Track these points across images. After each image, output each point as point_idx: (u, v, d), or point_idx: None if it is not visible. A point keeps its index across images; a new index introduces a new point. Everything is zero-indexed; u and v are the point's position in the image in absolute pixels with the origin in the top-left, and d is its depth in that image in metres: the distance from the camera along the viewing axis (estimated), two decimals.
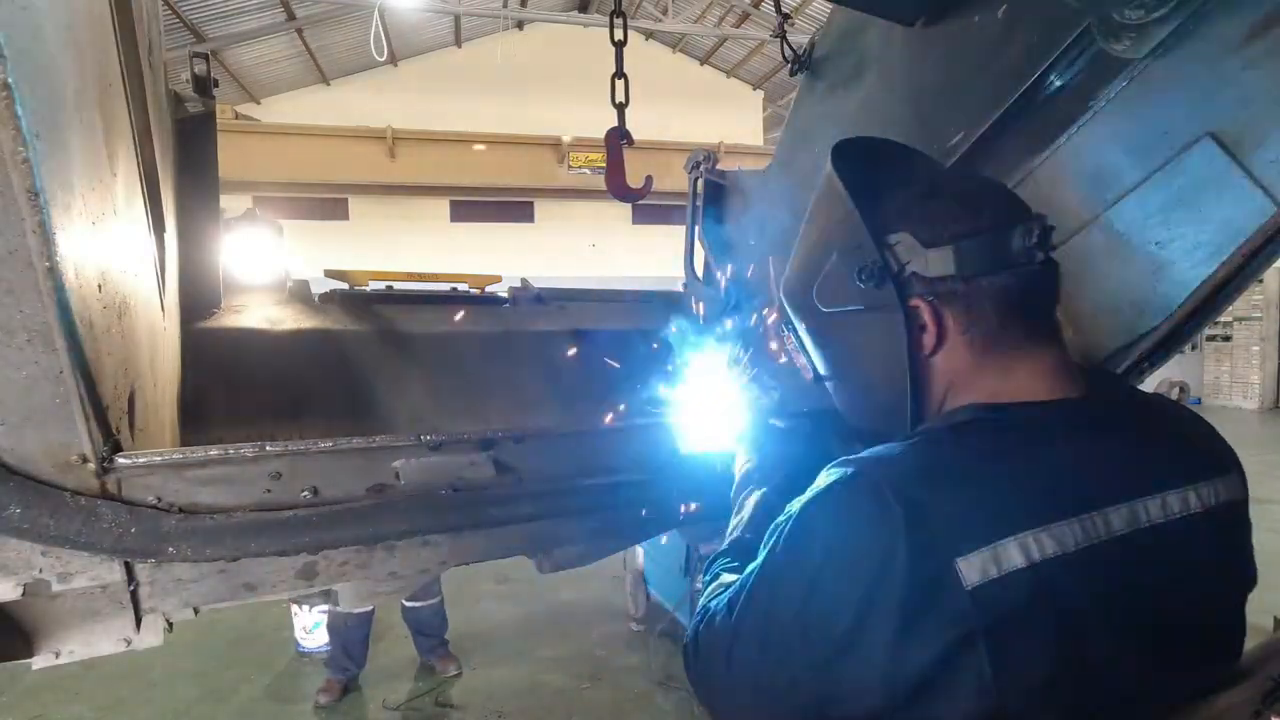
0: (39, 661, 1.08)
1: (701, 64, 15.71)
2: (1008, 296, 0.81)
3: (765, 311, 1.87)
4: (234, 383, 1.78)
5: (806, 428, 1.20)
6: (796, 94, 2.27)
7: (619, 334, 2.21)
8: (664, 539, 1.64)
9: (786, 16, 2.43)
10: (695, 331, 1.60)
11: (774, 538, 0.79)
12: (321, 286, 2.05)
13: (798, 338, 1.02)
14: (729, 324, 2.13)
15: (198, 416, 1.69)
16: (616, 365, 2.02)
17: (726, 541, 1.07)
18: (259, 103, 13.12)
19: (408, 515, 1.18)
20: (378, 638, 4.52)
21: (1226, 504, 0.81)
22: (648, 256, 12.44)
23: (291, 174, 10.59)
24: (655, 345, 2.05)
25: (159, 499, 1.03)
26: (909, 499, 0.70)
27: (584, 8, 14.48)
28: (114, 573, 1.05)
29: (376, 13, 9.30)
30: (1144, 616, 0.73)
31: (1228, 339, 13.75)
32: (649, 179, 2.63)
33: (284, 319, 1.89)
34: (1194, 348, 13.65)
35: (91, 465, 0.95)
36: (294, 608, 4.26)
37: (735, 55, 15.20)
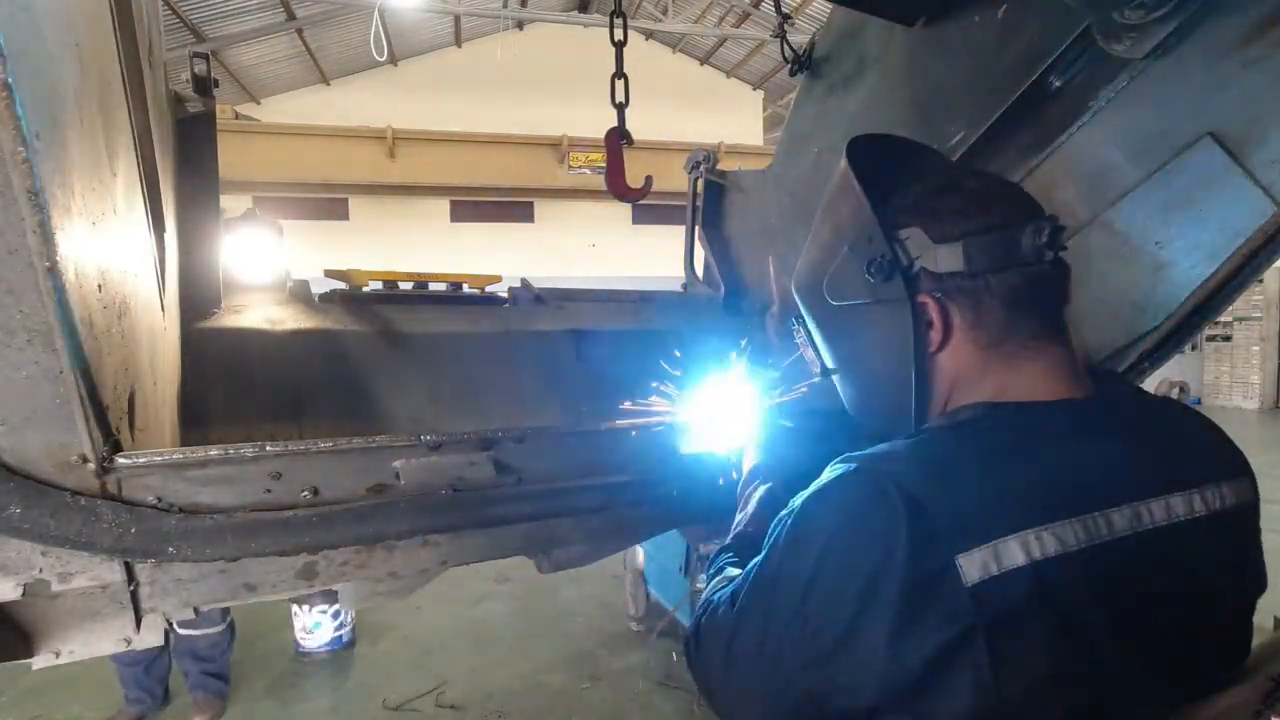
0: (39, 661, 1.08)
1: (701, 64, 15.71)
2: (1016, 295, 0.81)
3: (773, 311, 1.87)
4: (234, 383, 1.77)
5: (815, 427, 1.21)
6: (796, 94, 2.27)
7: (619, 334, 2.21)
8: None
9: (786, 16, 2.43)
10: (698, 332, 1.60)
11: (777, 531, 0.80)
12: (321, 286, 2.05)
13: (807, 331, 1.02)
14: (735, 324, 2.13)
15: (198, 416, 1.68)
16: (616, 366, 2.02)
17: (731, 536, 1.08)
18: (259, 103, 13.12)
19: (408, 515, 1.18)
20: (377, 637, 4.52)
21: (1234, 508, 0.81)
22: (648, 256, 12.45)
23: (291, 174, 10.58)
24: (656, 346, 2.05)
25: (159, 499, 1.03)
26: (911, 495, 0.70)
27: (584, 8, 14.47)
28: (114, 573, 1.05)
29: (376, 13, 9.30)
30: (1145, 618, 0.73)
31: (1228, 339, 13.74)
32: (649, 179, 2.63)
33: (284, 319, 1.88)
34: (1194, 348, 13.64)
35: (91, 465, 0.95)
36: (294, 608, 4.25)
37: (735, 55, 15.19)
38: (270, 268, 1.99)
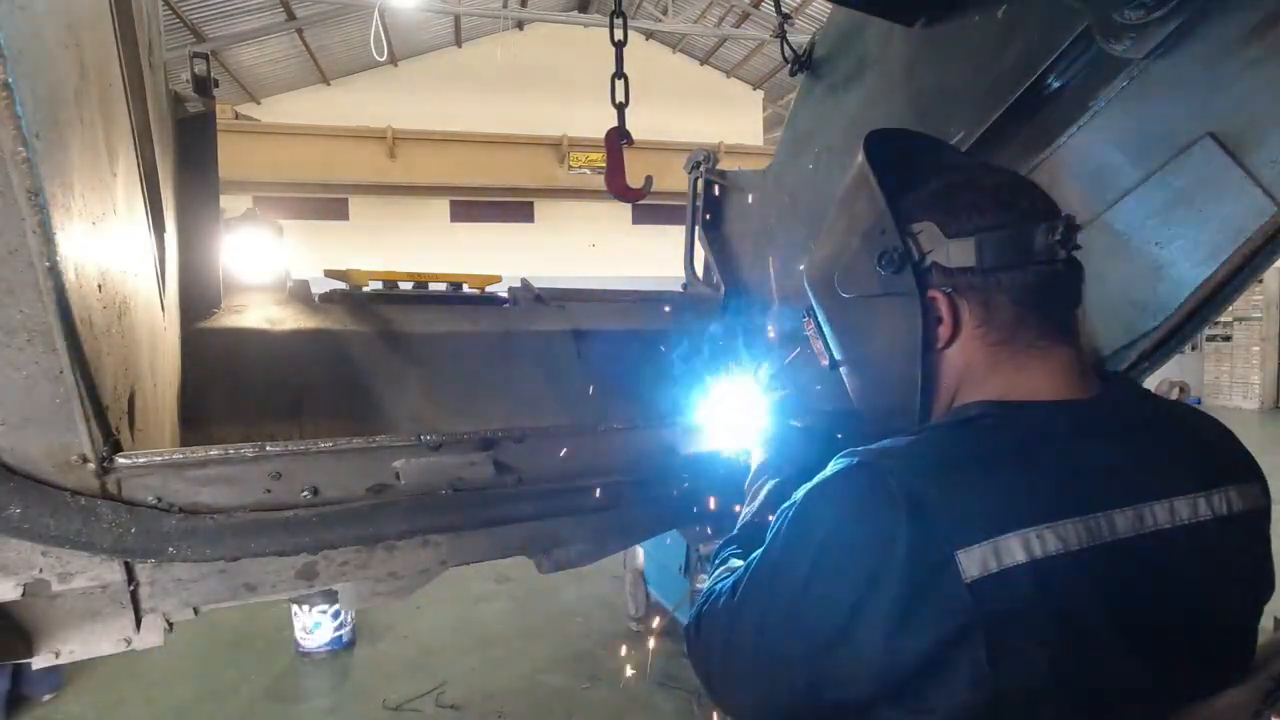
0: (39, 661, 1.08)
1: (701, 64, 15.71)
2: (1026, 293, 0.81)
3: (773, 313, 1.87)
4: (234, 383, 1.77)
5: (825, 427, 1.21)
6: (796, 94, 2.27)
7: (619, 334, 2.21)
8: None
9: (786, 16, 2.43)
10: (699, 332, 1.60)
11: (779, 523, 0.80)
12: (321, 286, 2.05)
13: (817, 323, 1.03)
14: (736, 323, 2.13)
15: (198, 416, 1.68)
16: (616, 366, 2.02)
17: (737, 527, 1.09)
18: (259, 103, 13.12)
19: (408, 515, 1.18)
20: (377, 637, 4.52)
21: (1242, 513, 0.80)
22: (648, 256, 12.43)
23: (291, 174, 10.59)
24: (656, 346, 2.05)
25: (159, 499, 1.03)
26: (912, 489, 0.70)
27: (584, 8, 14.47)
28: (114, 573, 1.05)
29: (376, 13, 9.29)
30: (1145, 619, 0.72)
31: (1228, 339, 13.74)
32: (649, 179, 2.63)
33: (284, 319, 1.88)
34: (1194, 348, 13.64)
35: (91, 465, 0.95)
36: (294, 608, 4.25)
37: (735, 55, 15.19)
38: (270, 268, 1.99)
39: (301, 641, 4.30)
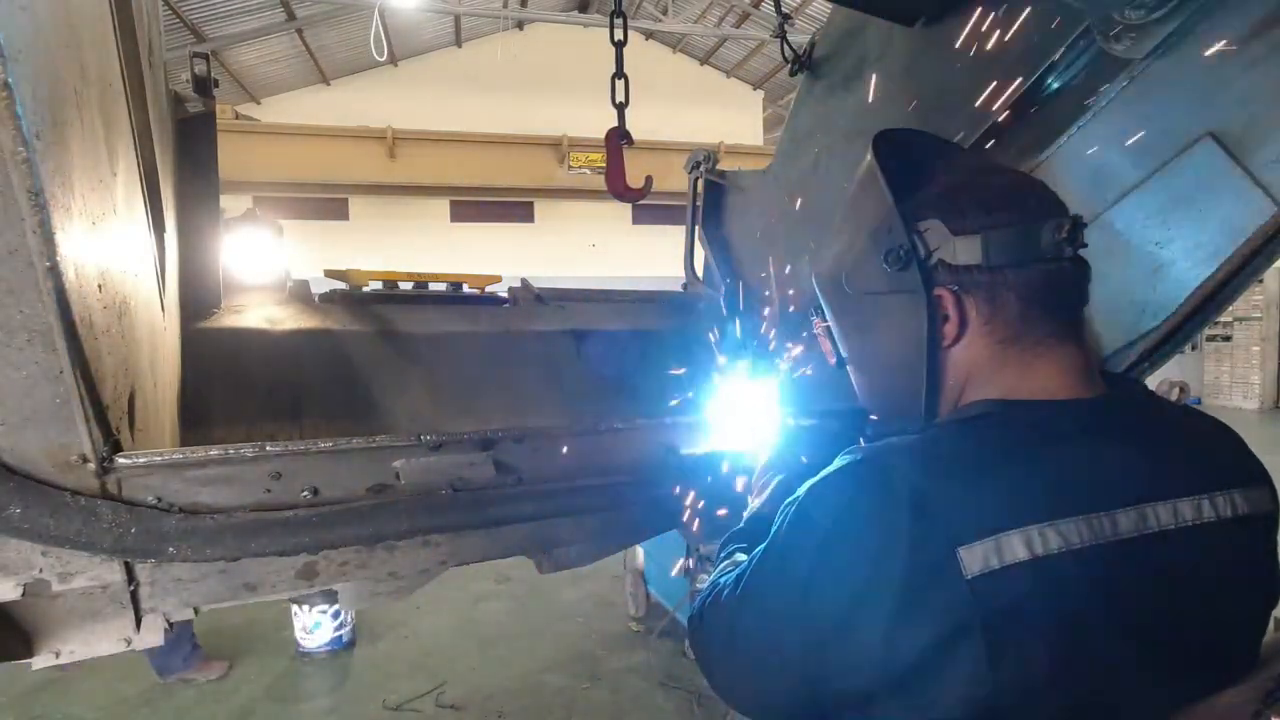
0: (39, 661, 1.08)
1: (701, 64, 15.70)
2: (1032, 291, 0.81)
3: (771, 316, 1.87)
4: (234, 383, 1.78)
5: (833, 427, 1.21)
6: (796, 94, 2.27)
7: (619, 334, 2.21)
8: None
9: (786, 16, 2.43)
10: (699, 332, 1.60)
11: (782, 517, 0.81)
12: (321, 286, 2.05)
13: (825, 321, 1.03)
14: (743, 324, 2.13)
15: (198, 416, 1.69)
16: (616, 366, 2.02)
17: (744, 521, 1.10)
18: (259, 103, 13.11)
19: (408, 515, 1.18)
20: (377, 637, 4.52)
21: (1247, 516, 0.80)
22: (648, 256, 12.43)
23: (291, 174, 10.58)
24: (656, 346, 2.05)
25: (159, 499, 1.03)
26: (915, 486, 0.71)
27: (584, 8, 14.47)
28: (114, 573, 1.05)
29: (376, 13, 9.30)
30: (1146, 619, 0.72)
31: (1228, 339, 13.73)
32: (649, 179, 2.63)
33: (284, 319, 1.88)
34: (1194, 348, 13.63)
35: (91, 465, 0.95)
36: (294, 608, 4.25)
37: (735, 55, 15.19)
38: (270, 268, 1.99)
39: (301, 641, 4.29)
